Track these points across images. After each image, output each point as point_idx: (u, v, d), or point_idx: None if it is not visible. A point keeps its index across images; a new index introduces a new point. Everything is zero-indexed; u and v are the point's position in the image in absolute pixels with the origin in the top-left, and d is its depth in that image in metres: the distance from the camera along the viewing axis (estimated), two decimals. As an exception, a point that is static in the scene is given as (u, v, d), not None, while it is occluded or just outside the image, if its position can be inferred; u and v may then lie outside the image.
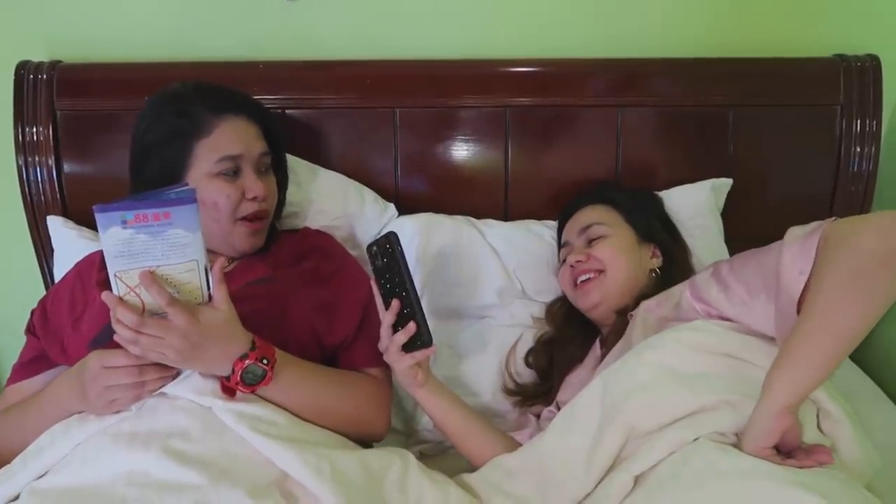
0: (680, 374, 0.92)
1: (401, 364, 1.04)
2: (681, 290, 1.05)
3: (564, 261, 1.28)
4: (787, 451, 0.82)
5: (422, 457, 1.25)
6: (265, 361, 0.92)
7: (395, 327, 1.02)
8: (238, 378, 0.91)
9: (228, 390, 0.92)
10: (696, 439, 0.85)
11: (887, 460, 0.91)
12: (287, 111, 1.44)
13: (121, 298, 0.84)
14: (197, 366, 0.91)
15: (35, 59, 1.43)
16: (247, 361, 0.91)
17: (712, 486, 0.79)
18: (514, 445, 1.12)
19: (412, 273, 1.03)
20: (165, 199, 0.84)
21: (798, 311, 0.84)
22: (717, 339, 0.94)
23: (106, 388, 0.89)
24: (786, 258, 0.87)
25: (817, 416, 0.88)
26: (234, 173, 1.09)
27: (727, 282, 0.97)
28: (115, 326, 0.85)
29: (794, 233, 0.90)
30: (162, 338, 0.85)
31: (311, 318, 1.08)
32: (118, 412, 0.92)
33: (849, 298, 0.78)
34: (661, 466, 0.86)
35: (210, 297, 0.90)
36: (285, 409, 0.97)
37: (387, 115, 1.45)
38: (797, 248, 0.86)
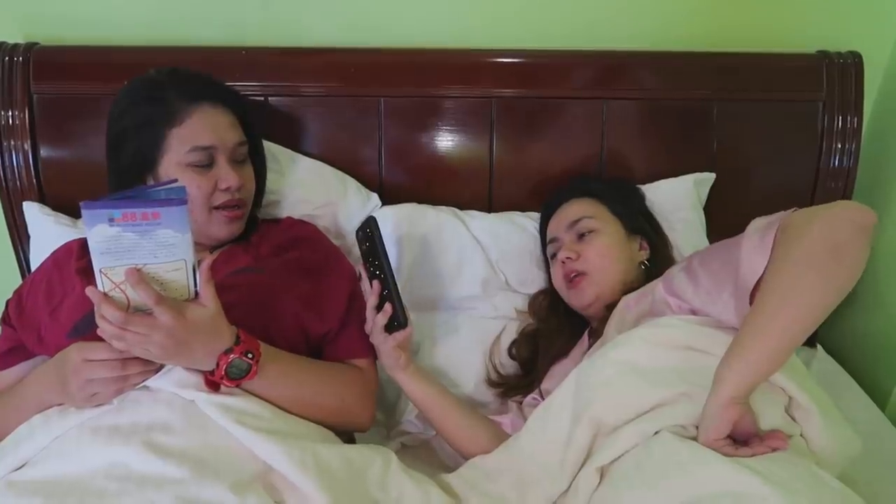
0: (641, 369, 0.93)
1: (384, 346, 1.07)
2: (655, 285, 1.05)
3: (554, 257, 1.28)
4: (743, 439, 0.83)
5: (403, 448, 1.26)
6: (250, 356, 0.92)
7: (379, 310, 1.06)
8: (223, 372, 0.90)
9: (212, 384, 0.92)
10: (657, 432, 0.87)
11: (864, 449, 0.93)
12: (270, 98, 1.42)
13: (105, 294, 0.83)
14: (181, 362, 0.90)
15: (10, 40, 1.39)
16: (231, 356, 0.90)
17: (674, 475, 0.80)
18: (495, 429, 1.14)
19: (392, 260, 1.06)
20: (155, 197, 0.82)
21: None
22: (680, 334, 0.95)
23: (87, 381, 0.88)
24: (744, 250, 0.88)
25: (788, 405, 0.90)
26: (206, 164, 1.08)
27: (697, 274, 0.97)
28: (99, 322, 0.84)
29: (756, 224, 0.91)
30: (147, 335, 0.84)
31: (297, 309, 1.07)
32: (99, 405, 0.90)
33: (798, 291, 0.80)
34: (624, 459, 0.87)
35: (197, 293, 0.89)
36: (269, 402, 0.96)
37: (372, 103, 1.43)
38: (756, 240, 0.87)
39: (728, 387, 0.81)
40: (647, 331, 0.97)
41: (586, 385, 0.96)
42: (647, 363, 0.93)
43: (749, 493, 0.73)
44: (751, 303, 0.86)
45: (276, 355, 0.98)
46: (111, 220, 0.79)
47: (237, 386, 0.93)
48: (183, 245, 0.83)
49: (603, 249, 1.22)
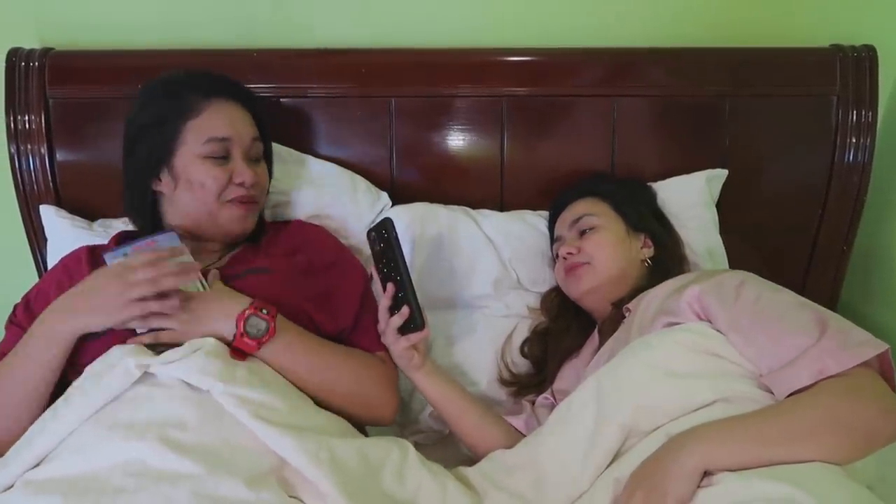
0: (677, 374, 0.92)
1: (397, 346, 1.07)
2: (682, 286, 1.03)
3: (558, 255, 1.28)
4: None
5: (417, 447, 1.26)
6: (265, 311, 0.96)
7: (392, 311, 1.06)
8: (242, 330, 0.94)
9: (238, 353, 0.95)
10: None
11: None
12: (282, 99, 1.43)
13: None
14: (200, 327, 0.95)
15: (26, 46, 1.41)
16: (247, 312, 0.95)
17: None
18: (510, 429, 1.14)
19: (407, 258, 1.06)
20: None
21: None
22: (713, 343, 0.94)
23: (129, 284, 0.93)
24: (821, 347, 0.84)
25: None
26: (223, 157, 1.10)
27: (745, 310, 0.94)
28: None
29: (842, 325, 0.87)
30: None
31: (308, 309, 1.08)
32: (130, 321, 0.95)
33: (821, 441, 0.78)
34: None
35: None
36: (288, 377, 0.98)
37: (383, 103, 1.44)
38: (837, 347, 0.84)
39: (705, 458, 0.80)
40: (679, 336, 0.95)
41: (614, 387, 0.94)
42: (682, 368, 0.92)
43: (782, 498, 0.72)
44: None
45: (295, 325, 1.02)
46: (125, 256, 0.99)
47: (260, 346, 0.96)
48: (185, 256, 1.00)
49: (601, 243, 1.22)
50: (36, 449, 0.87)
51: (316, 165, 1.40)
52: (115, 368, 0.90)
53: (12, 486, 0.86)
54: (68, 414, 0.89)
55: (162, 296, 0.94)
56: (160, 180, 1.12)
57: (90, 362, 0.93)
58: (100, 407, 0.89)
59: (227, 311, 0.96)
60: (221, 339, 0.96)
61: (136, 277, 0.93)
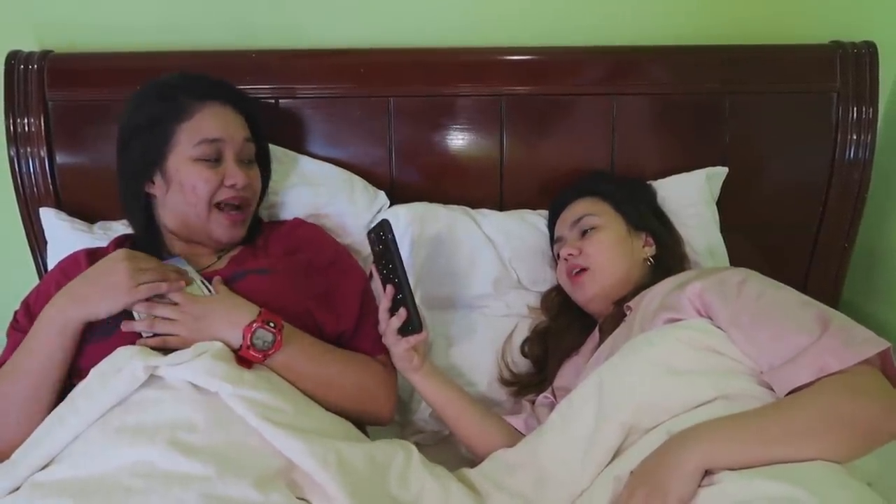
0: (678, 371, 0.92)
1: (397, 348, 1.08)
2: (684, 282, 1.03)
3: (559, 256, 1.28)
4: None
5: (418, 447, 1.25)
6: (272, 325, 0.96)
7: (392, 312, 1.06)
8: (249, 343, 0.94)
9: (244, 361, 0.95)
10: None
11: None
12: (280, 100, 1.43)
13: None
14: (206, 335, 0.95)
15: (25, 48, 1.41)
16: (254, 325, 0.95)
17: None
18: (510, 430, 1.14)
19: (404, 260, 1.07)
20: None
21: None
22: (714, 340, 0.94)
23: (139, 269, 0.97)
24: (822, 345, 0.84)
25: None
26: (215, 160, 1.10)
27: (745, 307, 0.93)
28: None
29: (844, 324, 0.87)
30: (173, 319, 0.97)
31: (311, 308, 1.09)
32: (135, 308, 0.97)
33: (824, 439, 0.79)
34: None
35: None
36: (293, 382, 0.99)
37: (381, 103, 1.44)
38: (838, 345, 0.83)
39: (706, 457, 0.80)
40: (681, 333, 0.95)
41: (616, 384, 0.94)
42: (685, 366, 0.92)
43: (783, 497, 0.72)
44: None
45: (299, 333, 1.03)
46: None
47: (265, 357, 0.96)
48: (190, 271, 1.05)
49: (602, 244, 1.21)
50: (43, 451, 0.87)
51: (312, 165, 1.40)
52: (122, 371, 0.89)
53: (18, 489, 0.85)
54: (75, 416, 0.89)
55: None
56: (153, 182, 1.12)
57: (93, 366, 0.93)
58: (106, 409, 0.89)
59: (234, 321, 0.96)
60: (227, 345, 0.96)
61: (145, 264, 0.98)
